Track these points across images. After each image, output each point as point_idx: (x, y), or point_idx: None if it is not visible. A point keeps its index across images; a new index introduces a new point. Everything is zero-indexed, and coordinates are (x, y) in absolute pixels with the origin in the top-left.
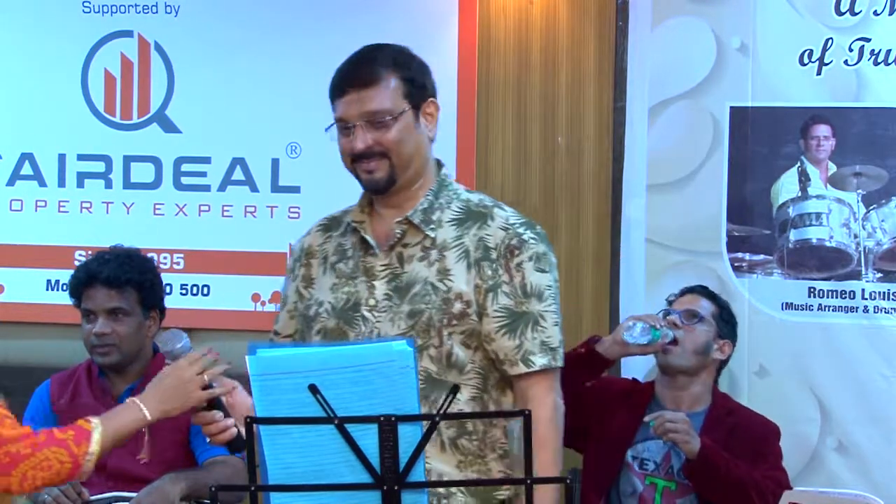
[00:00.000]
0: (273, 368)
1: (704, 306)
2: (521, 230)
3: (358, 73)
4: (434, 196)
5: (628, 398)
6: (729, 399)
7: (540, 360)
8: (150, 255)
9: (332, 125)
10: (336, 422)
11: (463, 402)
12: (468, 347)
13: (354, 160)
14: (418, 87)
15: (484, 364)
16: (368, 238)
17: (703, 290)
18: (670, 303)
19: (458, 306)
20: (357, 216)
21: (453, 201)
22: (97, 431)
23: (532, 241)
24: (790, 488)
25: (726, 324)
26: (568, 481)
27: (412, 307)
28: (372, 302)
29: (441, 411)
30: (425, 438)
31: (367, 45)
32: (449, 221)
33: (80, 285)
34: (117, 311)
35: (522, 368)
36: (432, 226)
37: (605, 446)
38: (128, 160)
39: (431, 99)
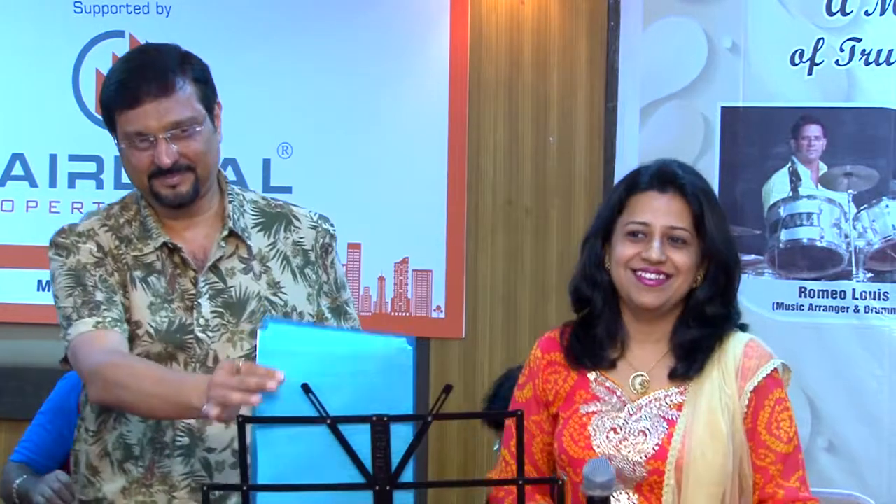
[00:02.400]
0: (282, 344)
1: None
2: (327, 226)
3: (153, 79)
4: (231, 201)
5: None
6: None
7: None
8: None
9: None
10: (328, 422)
11: None
12: None
13: (152, 176)
14: (211, 89)
15: None
16: (186, 255)
17: None
18: None
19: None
20: (159, 231)
21: (244, 203)
22: None
23: (335, 233)
24: None
25: None
26: (560, 482)
27: (253, 326)
28: (202, 322)
29: (434, 411)
30: (417, 439)
31: (142, 47)
32: (254, 227)
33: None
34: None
35: None
36: (246, 234)
37: None
38: (119, 161)
39: (218, 100)
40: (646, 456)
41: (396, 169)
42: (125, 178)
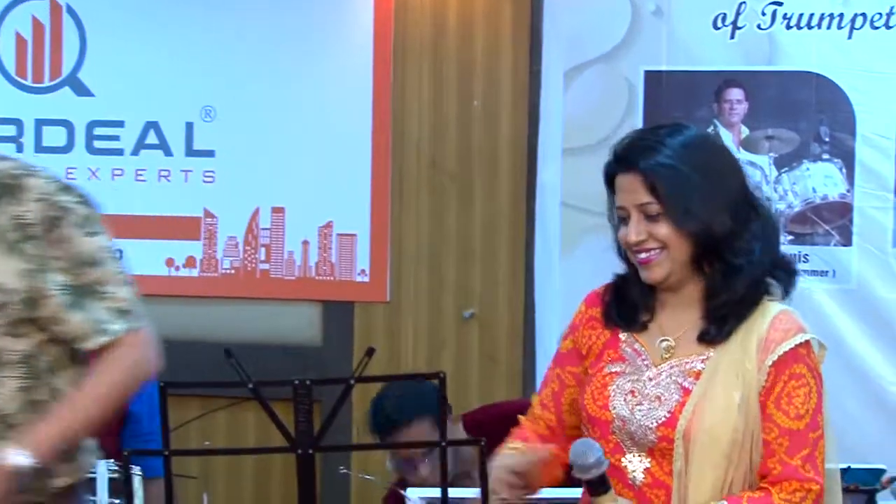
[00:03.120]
0: None
1: None
2: (59, 197)
3: None
4: None
5: None
6: None
7: (116, 327)
8: None
9: None
10: (250, 385)
11: (8, 396)
12: (16, 337)
13: None
14: None
15: (35, 350)
16: None
17: None
18: None
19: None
20: None
21: None
22: None
23: (73, 205)
24: None
25: None
26: (483, 443)
27: None
28: None
29: (357, 374)
30: (340, 402)
31: None
32: None
33: None
34: None
35: (100, 340)
36: None
37: None
38: (39, 124)
39: None
40: (657, 422)
41: (320, 133)
42: (45, 142)
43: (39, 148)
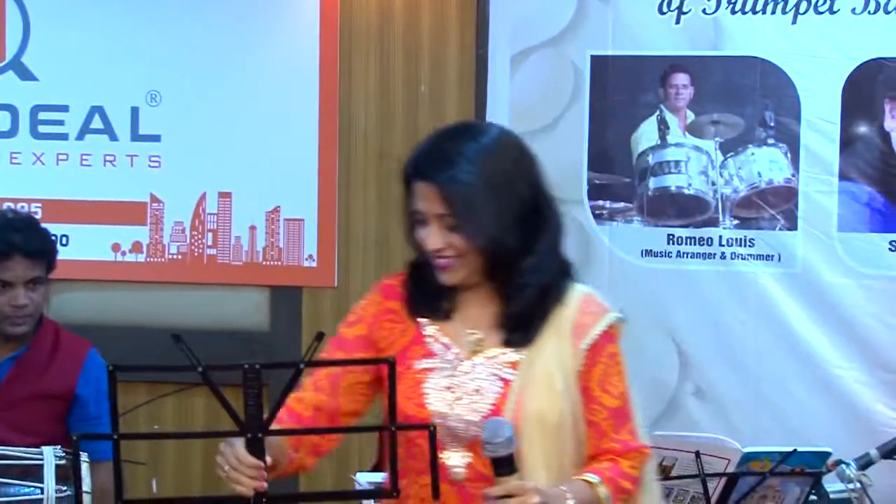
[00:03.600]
0: None
1: None
2: None
3: None
4: None
5: None
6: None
7: None
8: (6, 204)
9: None
10: (199, 369)
11: None
12: None
13: None
14: None
15: None
16: None
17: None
18: None
19: None
20: None
21: None
22: None
23: None
24: None
25: None
26: (432, 428)
27: None
28: None
29: (307, 358)
30: (289, 386)
31: None
32: None
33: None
34: (35, 281)
35: None
36: None
37: None
38: None
39: None
40: (481, 415)
41: (267, 118)
42: None
43: None
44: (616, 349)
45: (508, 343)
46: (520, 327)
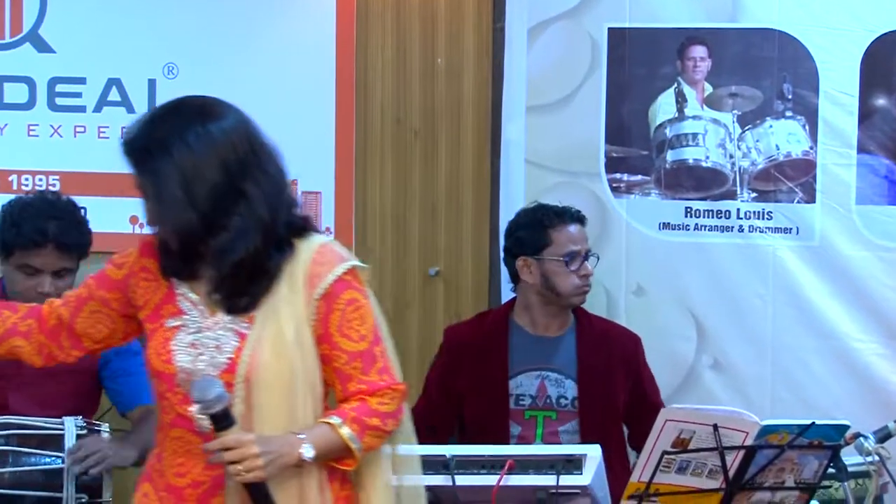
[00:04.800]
0: None
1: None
2: None
3: None
4: None
5: (483, 341)
6: (580, 308)
7: None
8: (24, 176)
9: None
10: None
11: None
12: None
13: None
14: None
15: None
16: None
17: (583, 218)
18: (544, 231)
19: None
20: None
21: None
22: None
23: None
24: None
25: None
26: None
27: None
28: None
29: None
30: None
31: None
32: None
33: (30, 244)
34: (63, 272)
35: None
36: None
37: (484, 404)
38: (1, 80)
39: None
40: (219, 370)
41: (284, 90)
42: (7, 99)
43: (1, 104)
44: (355, 295)
45: (231, 310)
46: (233, 295)
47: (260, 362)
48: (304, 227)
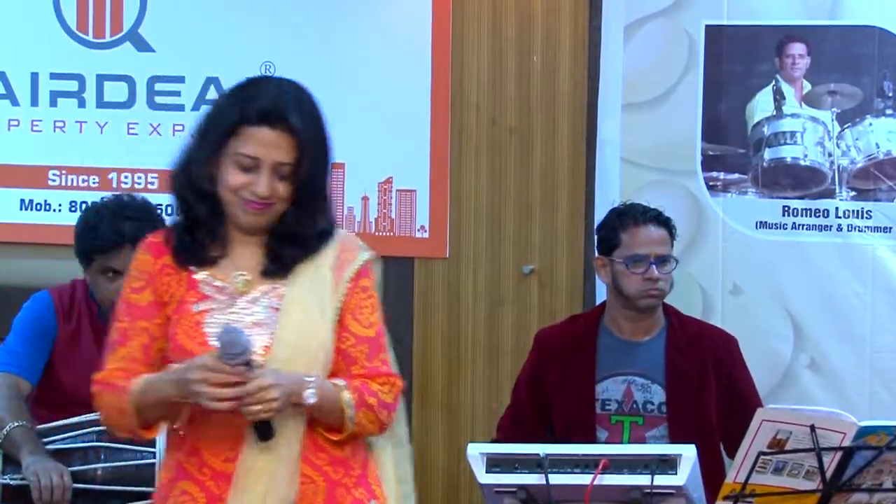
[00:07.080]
0: None
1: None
2: None
3: None
4: None
5: (572, 344)
6: (673, 309)
7: None
8: (123, 174)
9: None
10: None
11: None
12: None
13: None
14: None
15: None
16: None
17: (662, 221)
18: (615, 232)
19: None
20: None
21: None
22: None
23: None
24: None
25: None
26: None
27: None
28: None
29: None
30: None
31: None
32: None
33: (108, 246)
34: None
35: None
36: None
37: (571, 409)
38: (101, 79)
39: None
40: (262, 346)
41: (380, 88)
42: (107, 97)
43: (101, 103)
44: (368, 283)
45: (265, 273)
46: (278, 258)
47: (297, 338)
48: (332, 218)
